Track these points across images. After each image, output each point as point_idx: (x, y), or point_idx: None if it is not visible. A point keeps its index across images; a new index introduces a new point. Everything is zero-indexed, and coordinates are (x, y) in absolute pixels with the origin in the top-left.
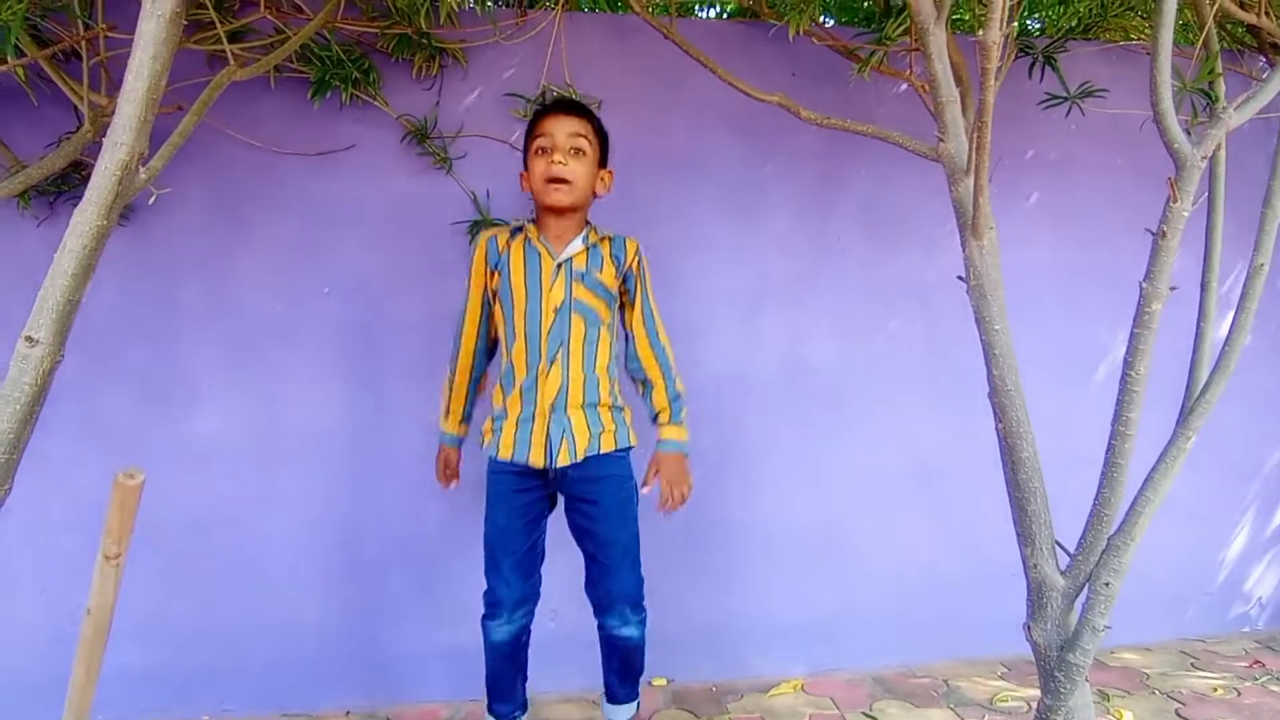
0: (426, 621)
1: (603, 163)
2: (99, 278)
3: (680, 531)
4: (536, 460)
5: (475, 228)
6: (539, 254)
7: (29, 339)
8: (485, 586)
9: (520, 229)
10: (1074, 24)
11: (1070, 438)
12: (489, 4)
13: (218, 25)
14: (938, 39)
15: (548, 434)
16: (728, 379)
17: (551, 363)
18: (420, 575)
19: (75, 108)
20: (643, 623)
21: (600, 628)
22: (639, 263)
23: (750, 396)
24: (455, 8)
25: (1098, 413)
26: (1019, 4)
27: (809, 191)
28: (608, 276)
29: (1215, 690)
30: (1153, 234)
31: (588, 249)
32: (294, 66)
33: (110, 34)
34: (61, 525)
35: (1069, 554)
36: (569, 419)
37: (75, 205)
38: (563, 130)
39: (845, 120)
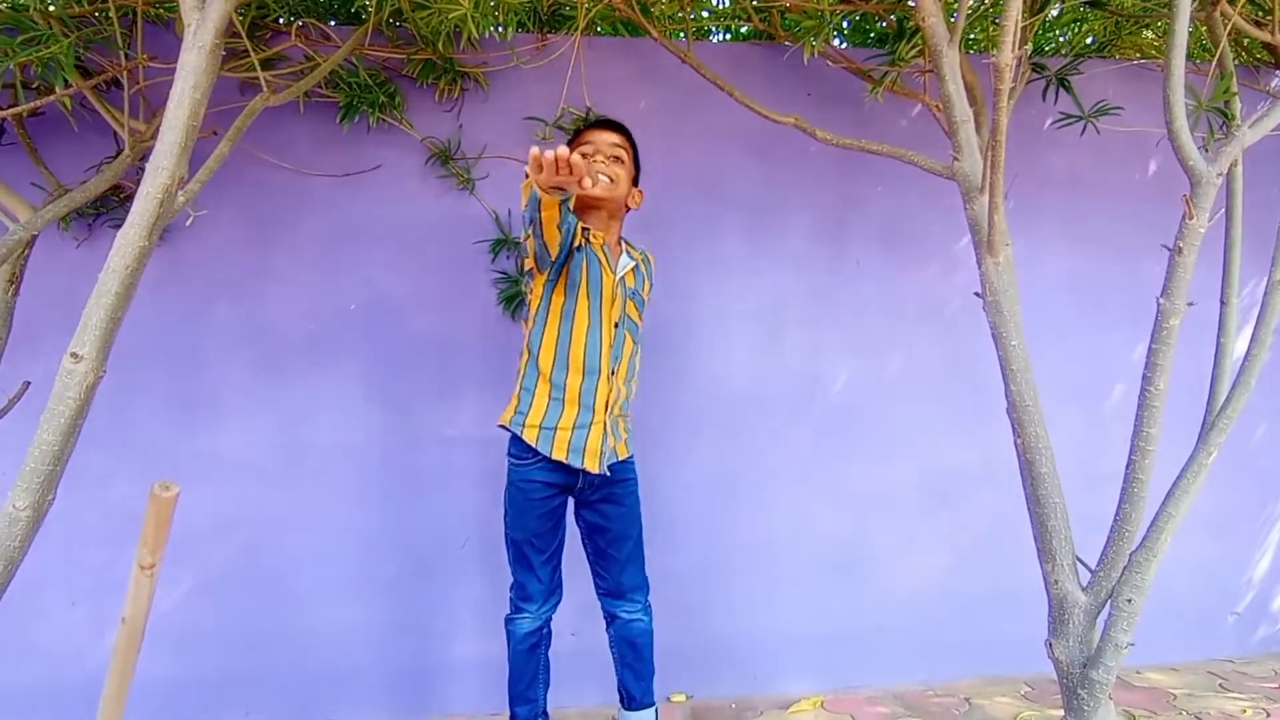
0: (451, 634)
1: (635, 180)
2: (134, 296)
3: (700, 547)
4: (592, 466)
5: (498, 247)
6: (600, 265)
7: (74, 355)
8: (512, 583)
9: (586, 230)
10: (1088, 43)
11: (1089, 453)
12: (510, 30)
13: (251, 54)
14: (951, 61)
15: (603, 441)
16: (746, 396)
17: (613, 374)
18: (443, 589)
19: (115, 134)
20: (650, 611)
21: (612, 621)
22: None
23: (768, 413)
24: (476, 34)
25: (1116, 427)
26: (1032, 25)
27: (826, 210)
28: (646, 292)
29: (1244, 712)
30: (1170, 250)
31: (634, 267)
32: (323, 92)
33: (149, 64)
34: (94, 538)
35: (1090, 570)
36: (617, 425)
37: (114, 226)
38: (605, 140)
39: (860, 140)
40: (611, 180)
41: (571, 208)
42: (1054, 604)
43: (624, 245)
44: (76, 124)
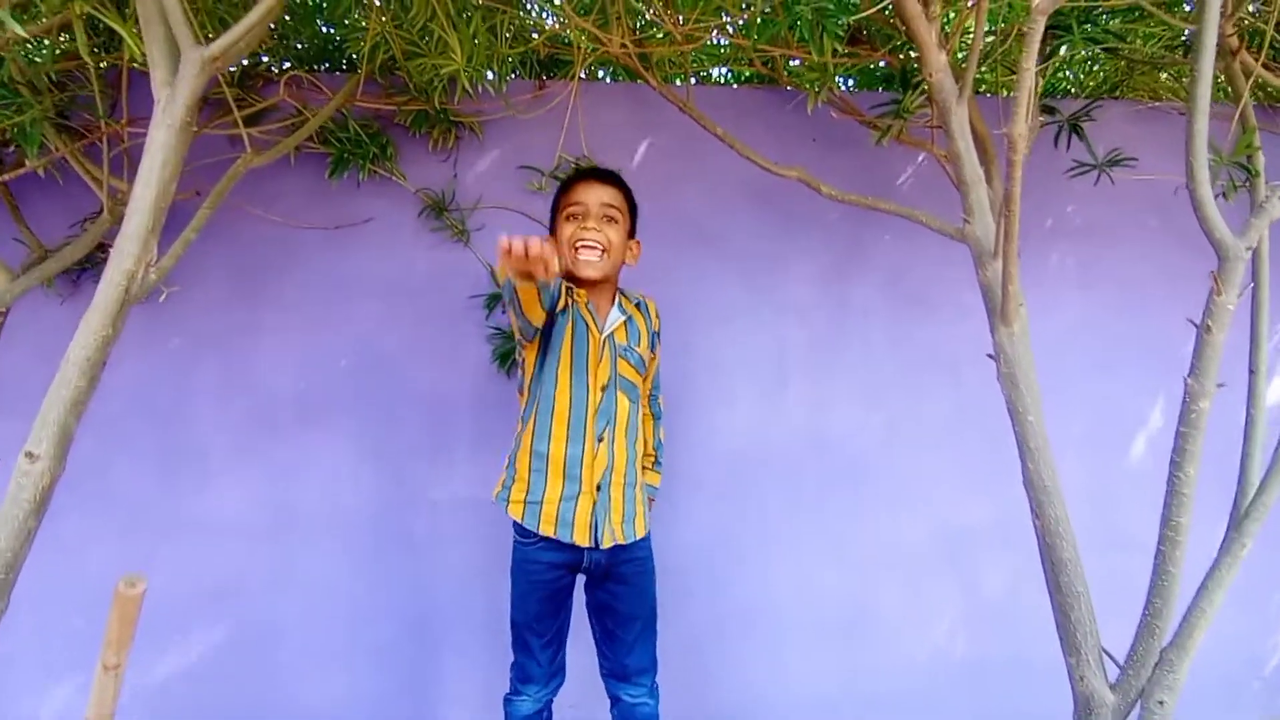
0: (445, 705)
1: (632, 233)
2: (116, 355)
3: (702, 610)
4: (581, 539)
5: (492, 301)
6: (586, 326)
7: (29, 454)
8: (512, 662)
9: (570, 289)
10: (1099, 83)
11: (1104, 511)
12: (504, 79)
13: (235, 113)
14: (960, 118)
15: (593, 513)
16: (748, 452)
17: (599, 441)
18: (437, 656)
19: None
20: (656, 694)
21: (615, 703)
22: (659, 324)
23: (771, 470)
24: (470, 90)
25: (1131, 484)
26: (1043, 70)
27: (830, 259)
28: (644, 348)
29: None
30: (1196, 326)
31: (626, 321)
32: (312, 145)
33: (131, 128)
34: (73, 606)
35: (1118, 665)
36: (611, 499)
37: (98, 283)
38: (595, 198)
39: (867, 198)
40: (602, 249)
41: (550, 282)
42: (1079, 702)
43: (618, 297)
44: (61, 178)
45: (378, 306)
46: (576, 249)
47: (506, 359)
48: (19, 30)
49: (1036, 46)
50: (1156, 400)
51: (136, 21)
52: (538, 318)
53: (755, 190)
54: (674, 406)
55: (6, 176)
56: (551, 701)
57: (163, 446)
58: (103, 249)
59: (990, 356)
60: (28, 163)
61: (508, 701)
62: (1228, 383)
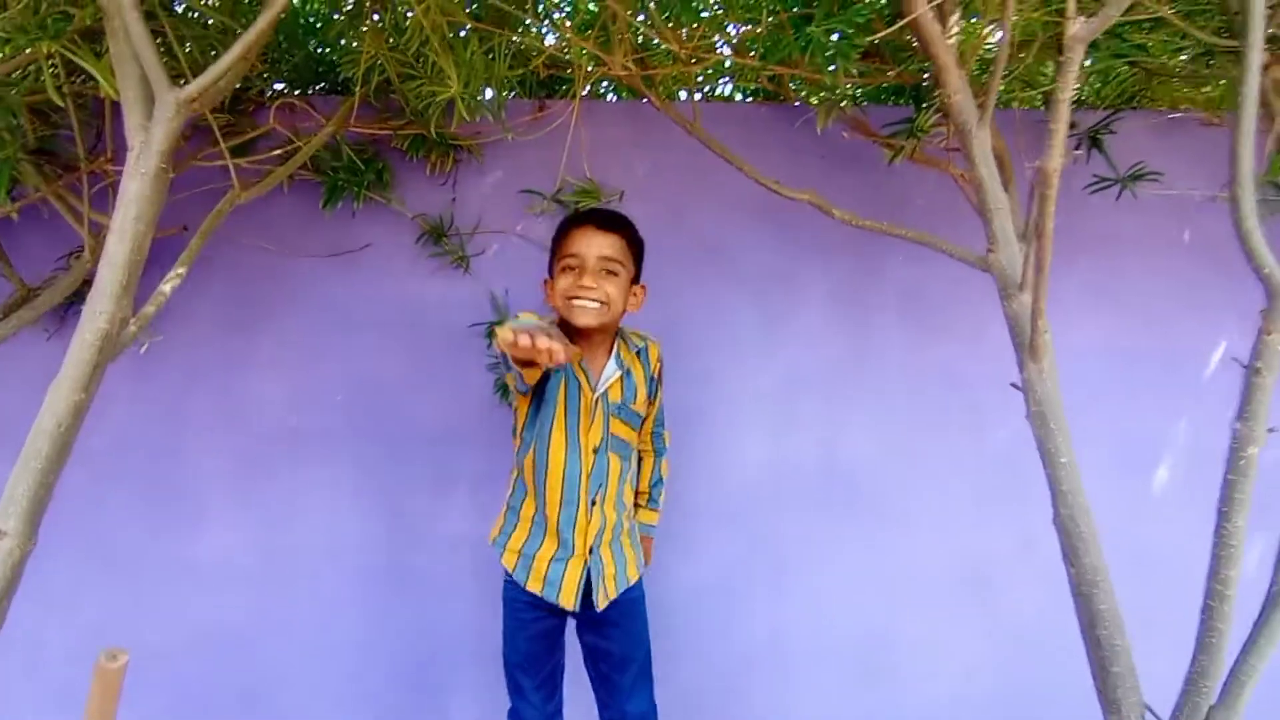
0: None
1: (636, 277)
2: (106, 389)
3: (713, 645)
4: (566, 602)
5: (493, 330)
6: (579, 385)
7: None
8: (510, 708)
9: None
10: (1118, 94)
11: (1130, 533)
12: (504, 98)
13: (221, 143)
14: (981, 142)
15: (583, 575)
16: (759, 480)
17: (593, 506)
18: (437, 700)
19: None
20: None
21: None
22: (660, 367)
23: (783, 498)
24: (468, 116)
25: (1157, 503)
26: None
27: (843, 280)
28: (640, 403)
29: None
30: (1244, 367)
31: (622, 376)
32: (306, 174)
33: (114, 165)
34: (59, 656)
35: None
36: (603, 558)
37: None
38: (594, 250)
39: (883, 223)
40: (601, 304)
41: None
42: None
43: (616, 345)
44: (45, 211)
45: (375, 336)
46: (571, 301)
47: (508, 390)
48: None
49: (1074, 76)
50: (1179, 420)
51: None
52: (532, 379)
53: (764, 208)
54: (682, 437)
55: None
56: None
57: (153, 484)
58: (88, 284)
59: (1014, 386)
60: (3, 207)
61: None
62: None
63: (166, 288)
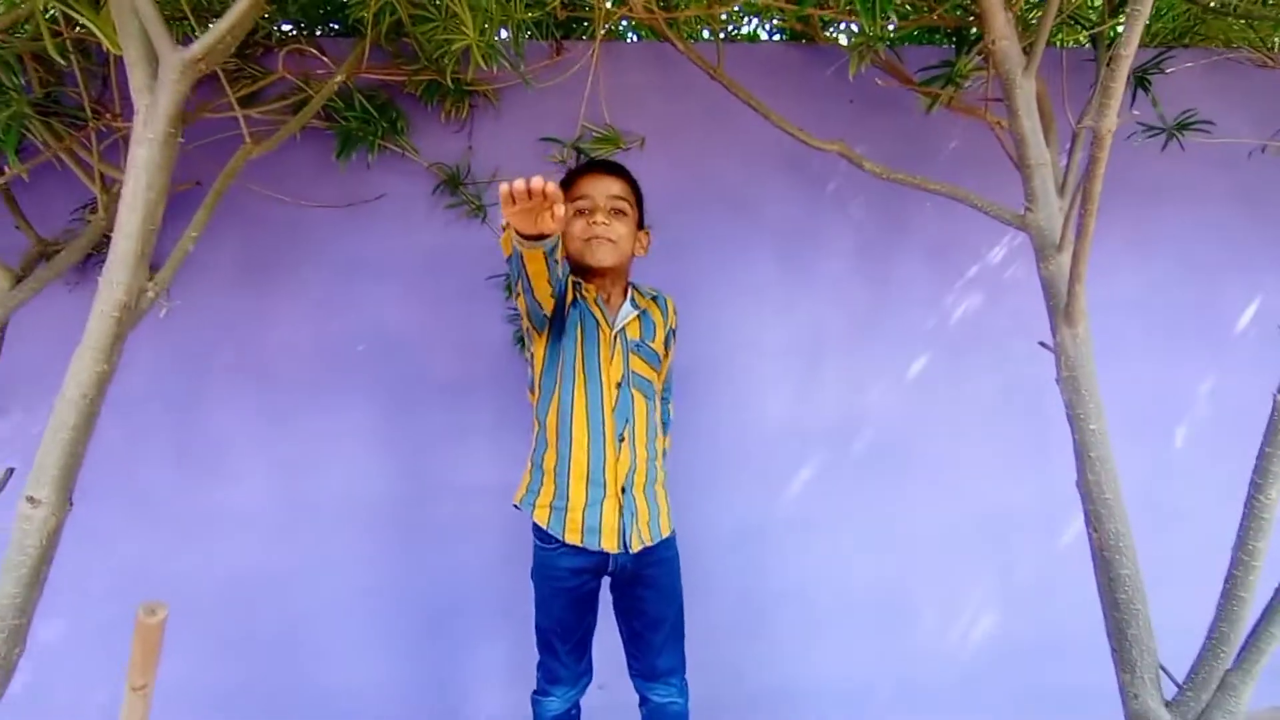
0: (468, 691)
1: (640, 224)
2: (133, 344)
3: (735, 595)
4: (610, 545)
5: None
6: (596, 321)
7: (31, 500)
8: (539, 661)
9: (578, 284)
10: (1170, 30)
11: (1156, 490)
12: (522, 43)
13: (230, 95)
14: (1026, 93)
15: (620, 517)
16: (782, 435)
17: (620, 442)
18: (459, 643)
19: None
20: (686, 692)
21: (644, 702)
22: (677, 321)
23: (806, 453)
24: (484, 64)
25: (1186, 463)
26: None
27: (868, 231)
28: (659, 344)
29: None
30: None
31: (639, 315)
32: (318, 125)
33: (121, 122)
34: (102, 594)
35: (1176, 684)
36: (635, 501)
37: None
38: (602, 191)
39: (915, 176)
40: (613, 241)
41: (559, 257)
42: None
43: (630, 291)
44: (57, 164)
45: (392, 288)
46: (587, 241)
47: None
48: None
49: (1139, 31)
50: (1212, 374)
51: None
52: (546, 297)
53: (789, 157)
54: (703, 389)
55: (2, 179)
56: (579, 700)
57: (180, 436)
58: (107, 238)
59: (1043, 345)
60: (7, 168)
61: (535, 701)
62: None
63: (179, 253)
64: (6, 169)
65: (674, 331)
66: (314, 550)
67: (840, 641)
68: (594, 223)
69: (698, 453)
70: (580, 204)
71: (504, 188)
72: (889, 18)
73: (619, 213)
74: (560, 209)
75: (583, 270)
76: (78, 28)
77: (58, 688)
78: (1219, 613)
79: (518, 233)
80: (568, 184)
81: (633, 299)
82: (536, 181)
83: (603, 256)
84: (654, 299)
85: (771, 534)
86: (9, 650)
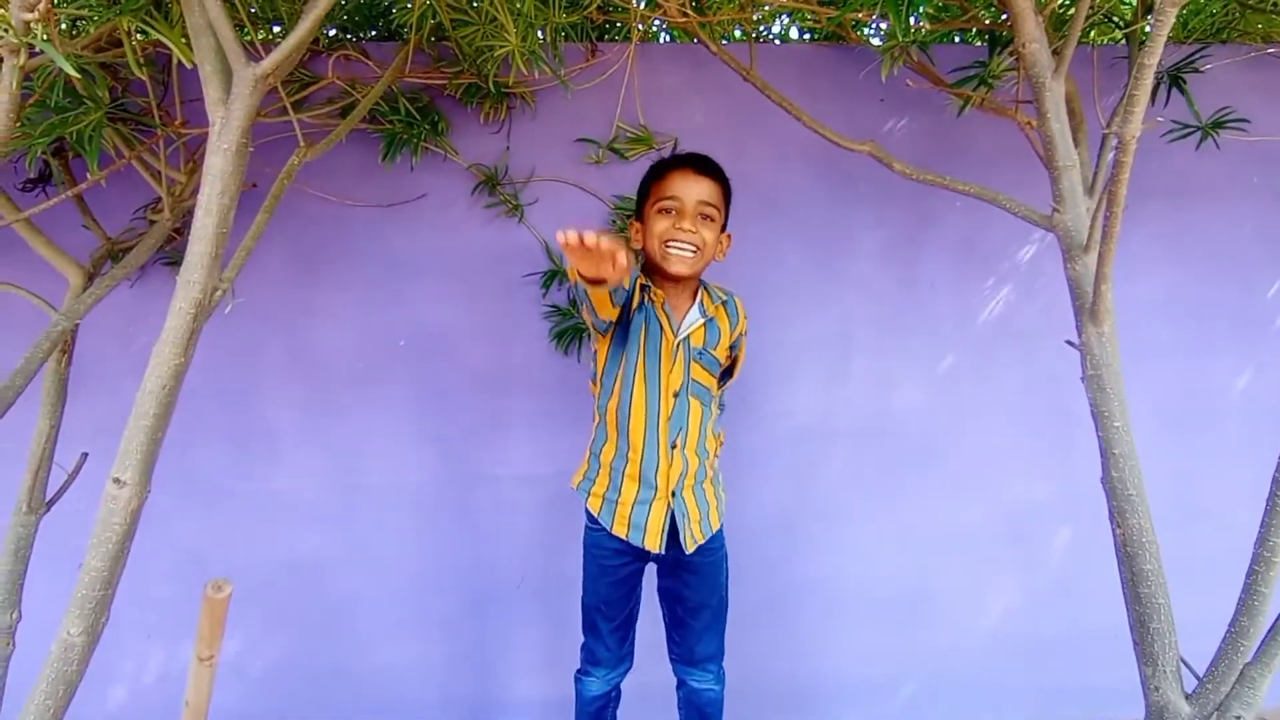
0: (508, 672)
1: (724, 225)
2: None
3: (763, 588)
4: (653, 545)
5: (549, 279)
6: (661, 327)
7: (117, 481)
8: (583, 643)
9: (646, 287)
10: (1208, 26)
11: (1183, 488)
12: (560, 47)
13: (284, 98)
14: (1055, 95)
15: (667, 518)
16: (811, 429)
17: (673, 448)
18: (499, 627)
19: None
20: (723, 679)
21: (681, 685)
22: (746, 326)
23: (834, 448)
24: (525, 70)
25: (1216, 460)
26: (1142, 11)
27: (897, 229)
28: (721, 351)
29: None
30: None
31: (706, 323)
32: (365, 126)
33: (186, 130)
34: (164, 575)
35: (1196, 676)
36: (685, 502)
37: (165, 264)
38: (692, 195)
39: (944, 176)
40: (698, 250)
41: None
42: (1151, 712)
43: (700, 294)
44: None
45: (433, 285)
46: (668, 245)
47: (564, 338)
48: (70, 71)
49: (1163, 41)
50: (1244, 373)
51: (185, 28)
52: (609, 314)
53: (820, 156)
54: (734, 383)
55: (82, 187)
56: (620, 683)
57: (234, 426)
58: (180, 231)
59: (1070, 344)
60: (89, 175)
61: (578, 680)
62: None
63: (242, 253)
64: (87, 176)
65: (744, 335)
66: (358, 535)
67: (865, 635)
68: (679, 228)
69: (727, 447)
70: (667, 203)
71: (560, 237)
72: (919, 20)
73: (707, 218)
74: (622, 257)
75: (652, 271)
76: (141, 35)
77: (121, 659)
78: (1239, 607)
79: (580, 274)
80: (658, 174)
81: (701, 305)
82: (590, 238)
83: (681, 269)
84: (724, 304)
85: (799, 527)
86: (96, 619)
